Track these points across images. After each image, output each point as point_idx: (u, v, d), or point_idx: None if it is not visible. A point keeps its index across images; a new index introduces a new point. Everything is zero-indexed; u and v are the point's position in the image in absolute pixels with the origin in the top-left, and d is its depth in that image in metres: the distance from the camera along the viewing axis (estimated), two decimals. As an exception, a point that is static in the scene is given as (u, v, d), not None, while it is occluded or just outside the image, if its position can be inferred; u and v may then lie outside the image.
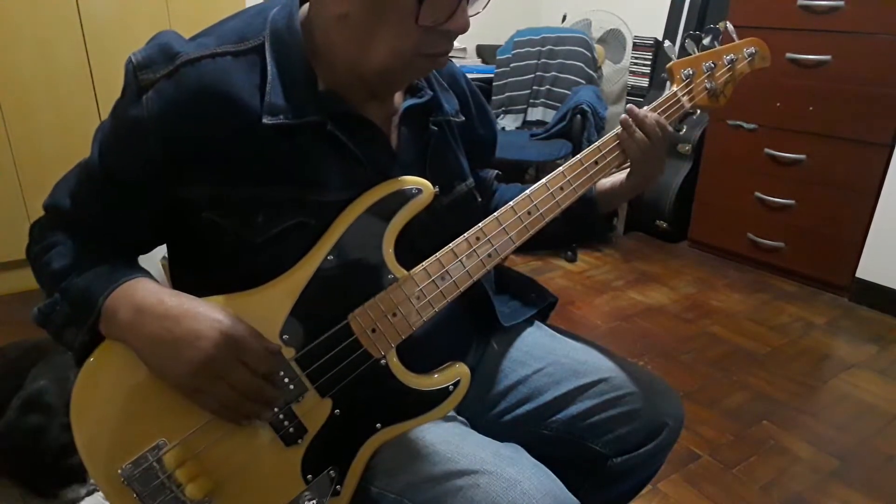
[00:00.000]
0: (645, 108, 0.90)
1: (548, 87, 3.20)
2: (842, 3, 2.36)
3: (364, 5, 0.69)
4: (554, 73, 3.18)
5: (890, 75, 2.29)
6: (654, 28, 3.31)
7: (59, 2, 2.17)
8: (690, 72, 0.96)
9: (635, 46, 3.34)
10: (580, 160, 0.87)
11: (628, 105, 0.89)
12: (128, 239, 0.79)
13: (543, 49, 3.22)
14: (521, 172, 3.24)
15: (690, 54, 0.98)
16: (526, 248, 0.85)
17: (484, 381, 0.93)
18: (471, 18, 0.73)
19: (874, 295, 2.46)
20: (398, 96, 0.85)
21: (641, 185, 0.92)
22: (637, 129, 0.88)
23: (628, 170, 0.92)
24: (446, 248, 0.78)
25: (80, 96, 2.28)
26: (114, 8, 2.27)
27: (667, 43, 1.06)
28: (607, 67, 3.40)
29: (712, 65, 0.97)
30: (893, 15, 2.26)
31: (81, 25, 2.22)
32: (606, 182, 0.95)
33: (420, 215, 0.78)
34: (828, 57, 2.44)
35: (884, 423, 1.81)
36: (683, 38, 0.98)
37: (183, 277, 0.85)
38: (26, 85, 2.18)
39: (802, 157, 2.57)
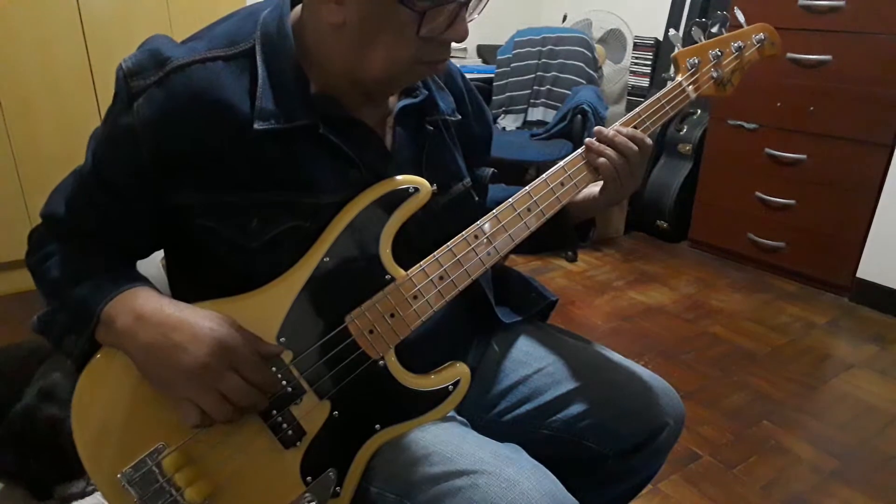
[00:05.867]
0: (616, 123, 0.86)
1: (548, 87, 3.20)
2: (842, 3, 2.36)
3: (362, 16, 0.69)
4: (554, 73, 3.18)
5: (890, 75, 2.29)
6: (655, 28, 3.30)
7: (59, 2, 2.17)
8: (696, 61, 0.93)
9: (636, 46, 3.33)
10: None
11: (596, 128, 0.86)
12: (125, 245, 0.78)
13: (544, 49, 3.22)
14: (522, 172, 3.23)
15: (697, 42, 0.95)
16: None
17: (484, 381, 0.93)
18: (469, 23, 0.72)
19: (874, 295, 2.46)
20: (393, 97, 0.85)
21: (616, 199, 0.90)
22: (607, 148, 0.84)
23: (601, 184, 0.89)
24: (444, 248, 0.78)
25: (81, 96, 2.28)
26: (114, 8, 2.27)
27: (671, 31, 1.04)
28: (608, 67, 3.39)
29: (719, 53, 0.94)
30: (893, 15, 2.26)
31: (81, 25, 2.22)
32: (579, 195, 0.89)
33: (417, 215, 0.77)
34: (828, 57, 2.44)
35: (884, 423, 1.81)
36: (689, 26, 0.95)
37: (180, 281, 0.85)
38: (26, 85, 2.18)
39: (803, 157, 2.57)
